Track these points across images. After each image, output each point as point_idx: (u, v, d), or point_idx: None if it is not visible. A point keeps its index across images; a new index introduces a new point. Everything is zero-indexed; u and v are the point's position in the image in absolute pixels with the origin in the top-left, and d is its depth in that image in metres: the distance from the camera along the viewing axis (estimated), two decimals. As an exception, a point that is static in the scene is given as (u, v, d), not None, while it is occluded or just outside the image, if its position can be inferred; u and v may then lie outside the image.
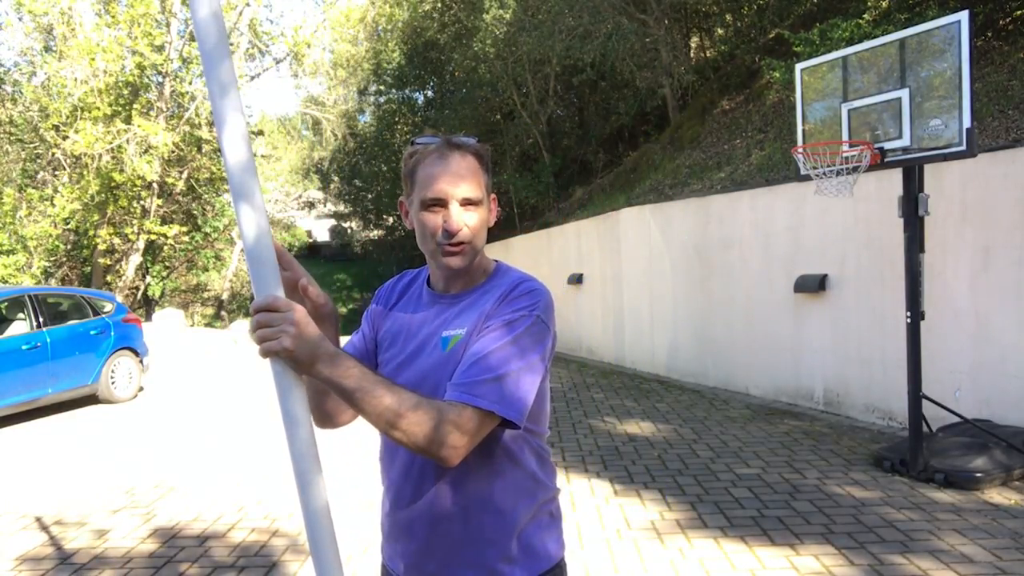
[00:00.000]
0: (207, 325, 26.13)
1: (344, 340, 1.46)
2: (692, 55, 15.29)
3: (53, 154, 16.84)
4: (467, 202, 1.32)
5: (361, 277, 34.18)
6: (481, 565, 1.32)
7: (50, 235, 16.73)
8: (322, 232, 39.54)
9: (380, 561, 1.49)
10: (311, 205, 33.46)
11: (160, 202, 18.85)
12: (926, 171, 4.56)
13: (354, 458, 5.46)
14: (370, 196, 26.01)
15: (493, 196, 1.43)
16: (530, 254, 14.17)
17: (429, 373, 1.32)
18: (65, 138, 15.41)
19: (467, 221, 1.32)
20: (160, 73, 17.63)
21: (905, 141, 4.41)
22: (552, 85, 16.74)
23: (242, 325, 22.41)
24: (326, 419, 1.45)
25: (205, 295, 28.39)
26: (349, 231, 35.55)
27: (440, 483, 1.32)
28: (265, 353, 1.10)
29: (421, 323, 1.40)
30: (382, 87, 24.53)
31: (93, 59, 15.14)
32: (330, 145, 31.77)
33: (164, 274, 22.50)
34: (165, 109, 17.84)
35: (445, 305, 1.40)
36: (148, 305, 21.33)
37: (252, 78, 19.71)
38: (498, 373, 1.23)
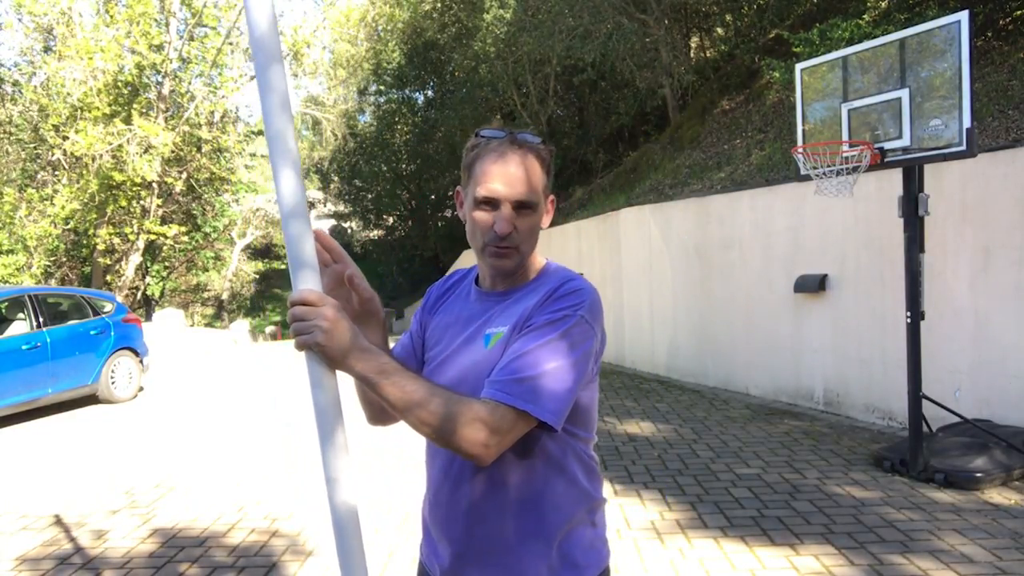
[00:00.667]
0: (207, 325, 26.15)
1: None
2: (692, 55, 15.29)
3: (53, 154, 16.84)
4: (521, 205, 1.28)
5: (361, 277, 34.10)
6: (520, 572, 1.28)
7: (50, 235, 16.73)
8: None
9: (417, 559, 1.48)
10: (311, 205, 33.41)
11: (160, 202, 18.85)
12: (926, 171, 4.56)
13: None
14: (370, 196, 26.02)
15: (551, 198, 1.39)
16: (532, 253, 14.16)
17: (469, 371, 1.30)
18: (65, 138, 15.41)
19: (518, 224, 1.28)
20: (160, 73, 17.62)
21: (905, 141, 4.41)
22: (552, 85, 16.74)
23: (242, 325, 22.41)
24: (377, 416, 1.46)
25: (205, 295, 28.40)
26: (349, 231, 35.52)
27: (478, 485, 1.29)
28: (299, 346, 1.11)
29: (467, 320, 1.39)
30: (382, 87, 24.53)
31: (92, 59, 15.14)
32: (330, 145, 31.76)
33: (164, 274, 22.50)
34: (165, 109, 17.83)
35: (491, 303, 1.38)
36: (148, 305, 21.34)
37: (252, 78, 19.68)
38: (534, 372, 1.19)
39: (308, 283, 1.12)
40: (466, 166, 1.34)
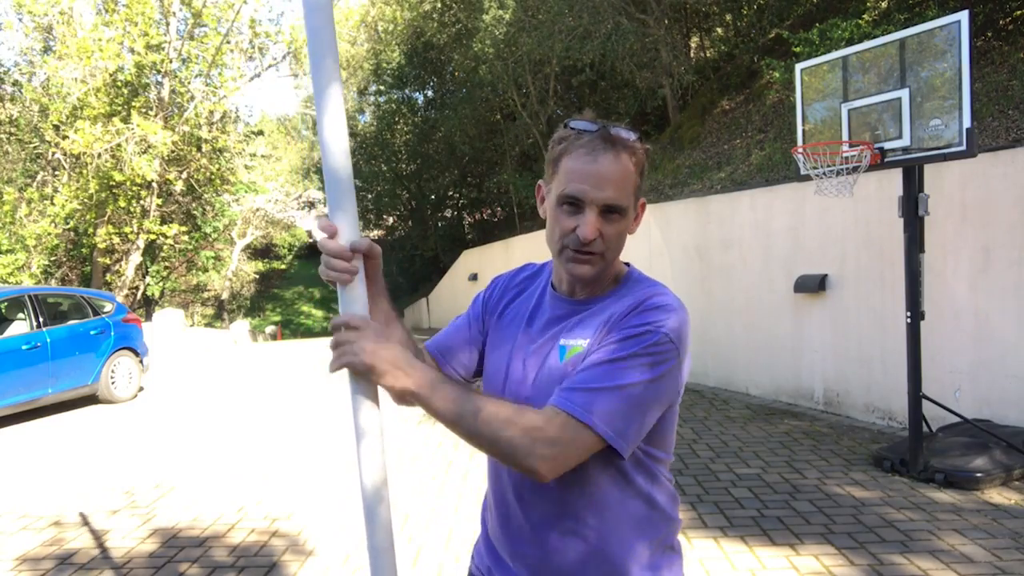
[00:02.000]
0: (207, 325, 26.16)
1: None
2: (692, 55, 15.29)
3: (53, 154, 16.84)
4: (609, 209, 1.17)
5: (361, 277, 34.15)
6: None
7: (49, 234, 16.74)
8: (322, 232, 39.49)
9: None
10: (311, 205, 33.48)
11: (160, 202, 18.85)
12: (926, 171, 4.56)
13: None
14: (370, 196, 26.00)
15: (642, 202, 1.27)
16: (530, 254, 14.17)
17: (544, 383, 1.21)
18: (65, 137, 15.42)
19: (604, 230, 1.17)
20: (159, 72, 17.62)
21: (905, 141, 4.41)
22: (552, 85, 16.74)
23: (242, 325, 22.41)
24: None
25: (205, 295, 28.41)
26: (349, 231, 35.50)
27: (542, 508, 1.22)
28: (341, 367, 1.10)
29: (541, 326, 1.29)
30: (382, 87, 24.53)
31: (91, 58, 15.15)
32: (330, 145, 31.70)
33: (164, 274, 22.50)
34: (164, 108, 17.84)
35: (569, 310, 1.27)
36: (148, 305, 21.34)
37: (252, 78, 19.70)
38: (604, 385, 1.11)
39: (355, 306, 1.14)
40: (552, 160, 1.23)
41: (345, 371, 1.11)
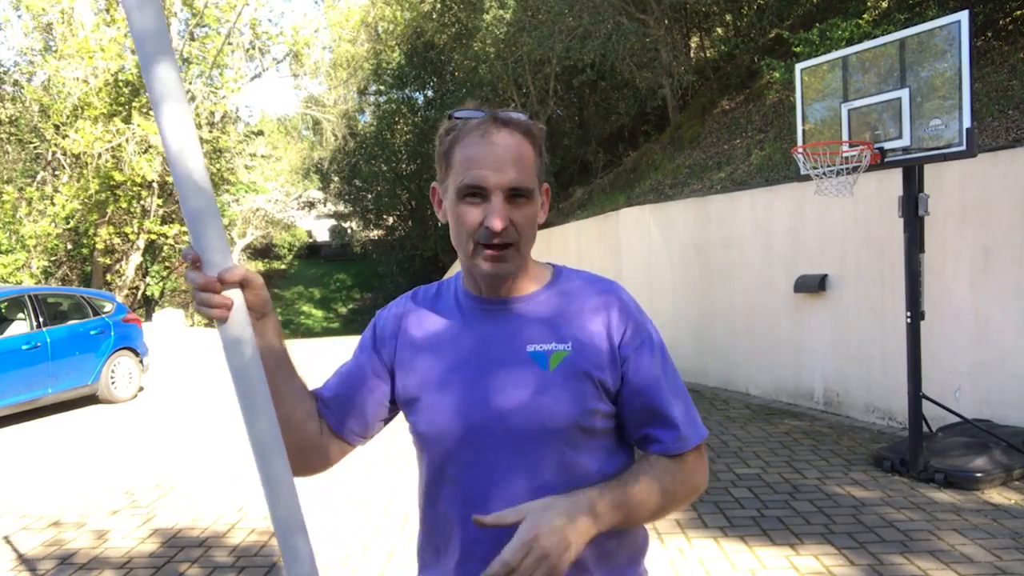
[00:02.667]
0: (207, 325, 26.12)
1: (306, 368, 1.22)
2: (692, 55, 15.29)
3: (53, 154, 16.85)
4: (514, 193, 1.07)
5: (361, 277, 34.20)
6: None
7: (49, 234, 16.74)
8: (322, 232, 39.57)
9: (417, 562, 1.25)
10: (311, 205, 33.49)
11: (160, 202, 18.85)
12: (926, 171, 4.56)
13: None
14: (370, 196, 26.04)
15: (546, 186, 1.17)
16: (530, 254, 14.16)
17: (535, 396, 1.08)
18: (65, 137, 15.42)
19: (514, 217, 1.07)
20: (160, 73, 17.61)
21: (905, 141, 4.41)
22: (552, 85, 16.74)
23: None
24: (307, 462, 1.19)
25: (205, 295, 28.36)
26: (349, 231, 35.57)
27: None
28: None
29: (483, 336, 1.14)
30: (382, 87, 24.54)
31: (92, 58, 15.15)
32: (330, 145, 31.79)
33: (164, 274, 22.48)
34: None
35: (504, 312, 1.15)
36: (148, 305, 21.33)
37: (252, 78, 19.71)
38: (687, 400, 1.17)
39: (238, 347, 0.95)
40: (442, 154, 1.13)
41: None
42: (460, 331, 1.16)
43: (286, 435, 1.00)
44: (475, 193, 1.07)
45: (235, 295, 0.95)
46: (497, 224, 1.05)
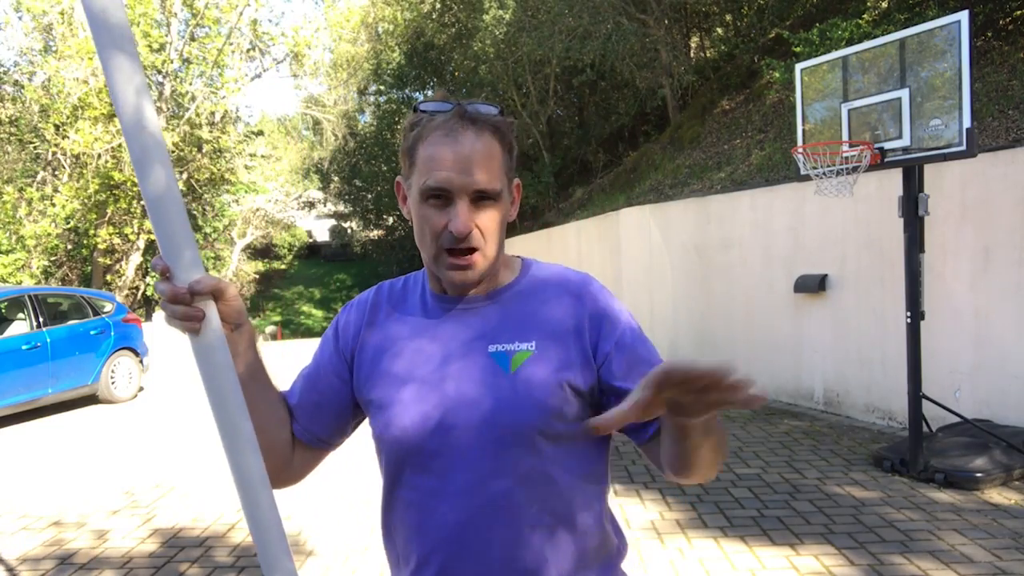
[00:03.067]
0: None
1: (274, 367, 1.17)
2: (692, 55, 15.29)
3: (53, 154, 16.85)
4: (480, 195, 1.02)
5: (361, 277, 34.20)
6: None
7: (48, 234, 16.74)
8: (322, 232, 39.58)
9: None
10: (311, 205, 33.50)
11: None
12: (926, 171, 4.56)
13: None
14: (370, 196, 26.03)
15: (517, 182, 1.11)
16: (530, 254, 14.11)
17: (495, 400, 1.02)
18: (65, 137, 15.42)
19: (479, 221, 1.02)
20: (160, 73, 17.63)
21: (905, 141, 4.41)
22: (552, 85, 16.75)
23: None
24: (282, 474, 1.17)
25: (205, 295, 28.35)
26: (349, 231, 35.58)
27: (526, 523, 1.03)
28: None
29: (445, 336, 1.09)
30: (382, 87, 24.55)
31: (92, 59, 15.15)
32: (330, 145, 31.80)
33: (164, 274, 22.46)
34: (165, 109, 17.84)
35: (470, 311, 1.10)
36: (148, 305, 21.31)
37: (252, 78, 19.71)
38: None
39: (211, 359, 0.92)
40: (406, 150, 1.06)
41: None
42: (423, 331, 1.11)
43: (260, 447, 0.98)
44: (439, 195, 1.01)
45: (207, 306, 0.92)
46: (462, 228, 1.00)
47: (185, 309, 0.90)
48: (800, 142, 5.08)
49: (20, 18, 16.62)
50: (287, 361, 12.59)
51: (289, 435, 1.15)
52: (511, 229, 16.66)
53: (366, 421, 1.19)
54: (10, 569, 3.74)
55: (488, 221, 1.03)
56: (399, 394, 1.07)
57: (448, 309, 1.11)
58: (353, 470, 5.18)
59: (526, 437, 1.02)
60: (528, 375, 1.03)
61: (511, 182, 1.08)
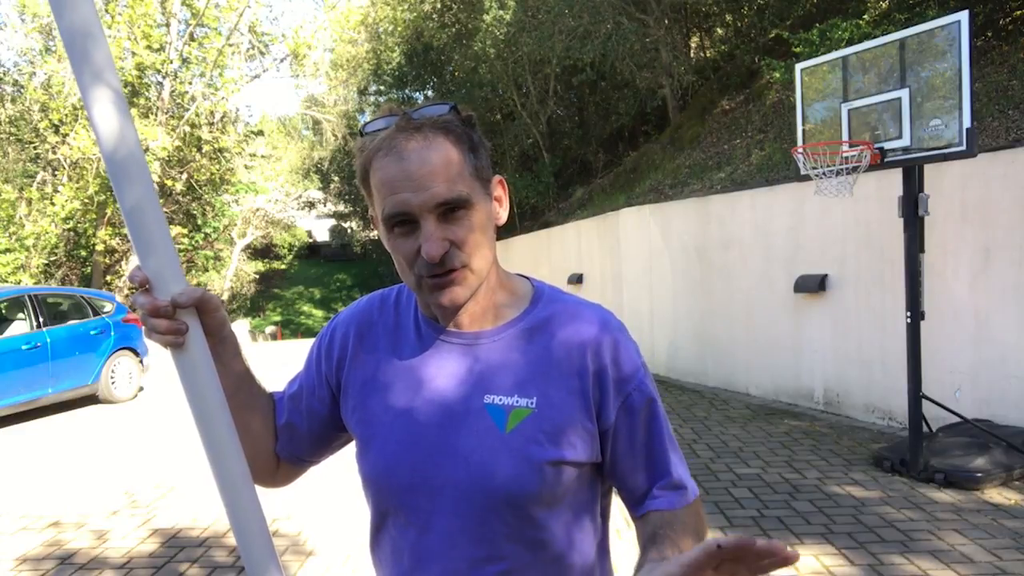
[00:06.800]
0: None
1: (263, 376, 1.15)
2: (692, 55, 15.29)
3: (53, 154, 16.85)
4: (445, 207, 0.90)
5: (361, 277, 34.22)
6: None
7: (48, 233, 16.75)
8: (322, 232, 39.60)
9: None
10: (311, 205, 33.52)
11: (160, 202, 18.85)
12: (926, 171, 4.56)
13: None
14: (370, 196, 26.03)
15: (498, 179, 1.00)
16: (530, 254, 14.18)
17: (486, 459, 0.94)
18: (65, 136, 15.42)
19: (454, 234, 0.91)
20: (160, 74, 17.64)
21: (905, 141, 4.41)
22: (552, 85, 16.74)
23: (242, 325, 22.40)
24: (269, 474, 1.14)
25: (205, 295, 28.36)
26: (349, 231, 35.60)
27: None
28: None
29: (439, 374, 0.99)
30: (382, 87, 24.52)
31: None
32: (330, 145, 31.78)
33: (164, 274, 22.49)
34: (165, 110, 17.85)
35: (464, 348, 1.00)
36: (148, 305, 21.32)
37: (252, 78, 19.71)
38: (680, 454, 1.05)
39: (195, 375, 0.89)
40: (362, 180, 0.96)
41: None
42: (416, 365, 1.00)
43: (247, 455, 0.94)
44: (402, 221, 0.91)
45: (190, 319, 0.87)
46: (434, 251, 0.89)
47: (168, 323, 0.85)
48: (800, 142, 5.08)
49: (24, 21, 16.63)
50: (287, 361, 12.59)
51: (274, 443, 1.12)
52: (511, 229, 16.69)
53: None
54: (10, 569, 3.75)
55: (464, 232, 0.92)
56: (386, 436, 1.00)
57: (444, 340, 1.00)
58: (353, 470, 5.17)
59: (519, 503, 0.94)
60: (525, 439, 0.94)
61: (485, 181, 0.96)
